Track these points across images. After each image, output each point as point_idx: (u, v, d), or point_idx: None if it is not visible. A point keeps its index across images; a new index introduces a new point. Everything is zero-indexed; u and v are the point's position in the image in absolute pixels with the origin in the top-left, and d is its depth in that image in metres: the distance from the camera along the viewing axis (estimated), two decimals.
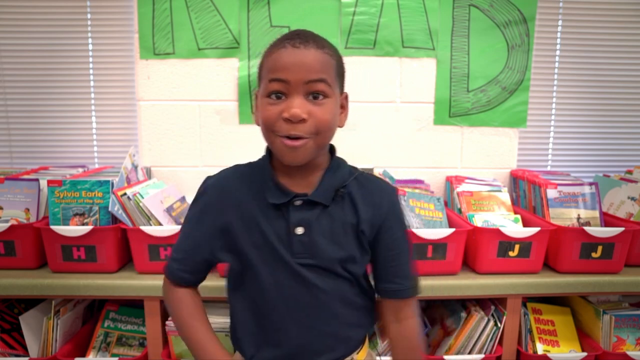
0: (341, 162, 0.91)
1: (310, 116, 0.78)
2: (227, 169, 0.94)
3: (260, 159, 0.92)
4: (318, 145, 0.81)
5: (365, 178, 0.91)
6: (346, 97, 0.90)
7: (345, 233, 0.85)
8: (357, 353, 0.90)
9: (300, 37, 0.80)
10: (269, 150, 0.90)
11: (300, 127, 0.78)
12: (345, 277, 0.87)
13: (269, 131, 0.81)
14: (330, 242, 0.84)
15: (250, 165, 0.93)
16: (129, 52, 1.66)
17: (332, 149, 0.91)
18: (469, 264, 1.33)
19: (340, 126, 0.88)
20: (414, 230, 1.22)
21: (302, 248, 0.84)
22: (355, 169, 0.92)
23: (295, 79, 0.77)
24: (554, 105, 1.80)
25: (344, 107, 0.89)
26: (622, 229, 1.26)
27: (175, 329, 0.94)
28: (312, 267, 0.84)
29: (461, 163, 1.73)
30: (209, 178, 0.93)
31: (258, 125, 0.86)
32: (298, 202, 0.84)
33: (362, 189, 0.88)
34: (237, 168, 0.94)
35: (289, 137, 0.78)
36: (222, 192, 0.89)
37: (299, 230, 0.83)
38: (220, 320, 1.23)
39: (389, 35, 1.62)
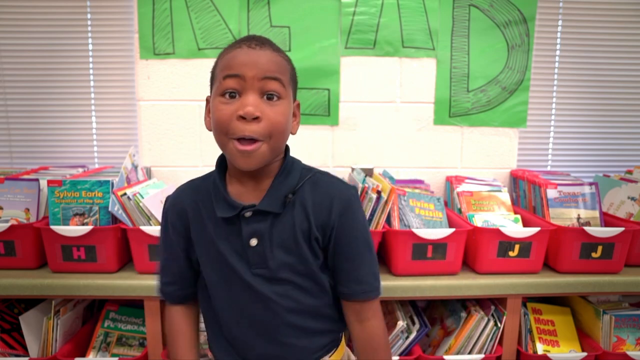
0: (294, 165, 0.88)
1: (263, 116, 0.77)
2: (183, 185, 0.92)
3: (212, 171, 0.90)
4: (272, 150, 0.80)
5: (319, 180, 0.87)
6: (298, 106, 0.88)
7: (297, 240, 0.83)
8: (330, 356, 0.89)
9: (256, 40, 0.81)
10: (220, 160, 0.89)
11: (254, 126, 0.76)
12: (302, 286, 0.85)
13: (222, 134, 0.78)
14: (284, 250, 0.83)
15: (204, 177, 0.92)
16: (129, 52, 1.66)
17: (286, 150, 0.89)
18: (469, 264, 1.33)
19: (293, 133, 0.86)
20: (414, 230, 1.22)
21: (258, 258, 0.83)
22: (309, 170, 0.89)
23: (250, 75, 0.76)
24: (554, 105, 1.80)
25: (296, 115, 0.87)
26: (622, 229, 1.26)
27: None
28: (268, 278, 0.83)
29: (461, 163, 1.73)
30: (167, 198, 0.92)
31: (209, 130, 0.84)
32: (248, 214, 0.82)
33: (314, 192, 0.85)
34: (191, 183, 0.92)
35: (243, 140, 0.77)
36: (180, 212, 0.88)
37: (253, 242, 0.82)
38: None
39: (389, 35, 1.62)
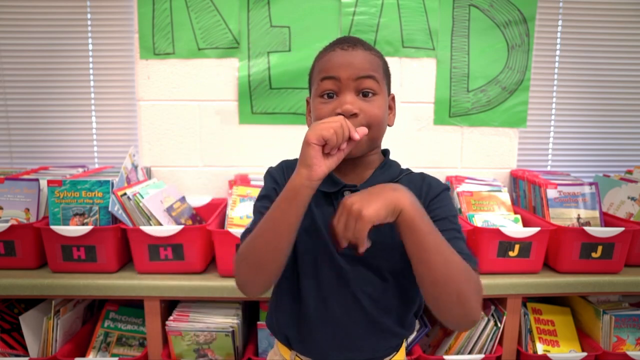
0: (393, 163, 0.93)
1: (361, 111, 0.81)
2: (285, 160, 0.96)
3: None
4: (370, 140, 0.83)
5: (418, 175, 0.92)
6: (393, 98, 0.92)
7: (391, 227, 0.82)
8: (390, 358, 0.89)
9: (348, 42, 0.86)
10: None
11: (352, 121, 0.80)
12: (385, 276, 0.85)
13: None
14: (377, 236, 0.82)
15: None
16: (129, 52, 1.66)
17: (385, 153, 0.94)
18: None
19: (390, 125, 0.90)
20: None
21: None
22: (406, 169, 0.94)
23: (346, 76, 0.81)
24: (554, 105, 1.80)
25: (391, 107, 0.91)
26: (622, 229, 1.26)
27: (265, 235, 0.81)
28: (353, 259, 0.84)
29: (461, 163, 1.73)
30: (275, 166, 0.95)
31: None
32: (347, 193, 0.85)
33: (413, 183, 0.88)
34: (293, 160, 0.94)
35: None
36: (284, 173, 0.91)
37: None
38: (221, 320, 1.23)
39: (389, 35, 1.62)
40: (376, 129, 0.84)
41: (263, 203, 0.90)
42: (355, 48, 0.84)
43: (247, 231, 0.88)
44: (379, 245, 0.82)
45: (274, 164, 0.97)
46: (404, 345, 0.94)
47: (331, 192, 0.86)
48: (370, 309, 0.85)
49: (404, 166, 0.97)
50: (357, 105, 0.81)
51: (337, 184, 0.87)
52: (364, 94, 0.82)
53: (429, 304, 0.77)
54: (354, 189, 0.86)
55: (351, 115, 0.80)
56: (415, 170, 0.98)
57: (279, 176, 0.92)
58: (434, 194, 0.88)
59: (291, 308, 0.89)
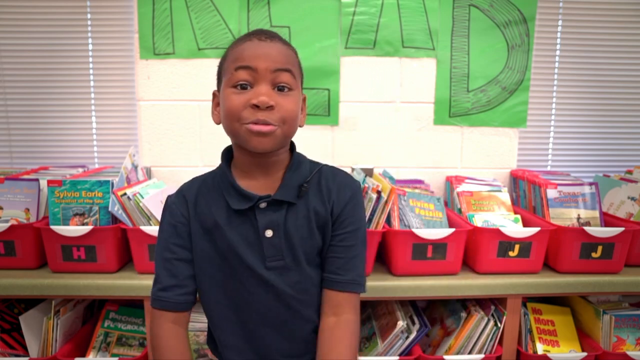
0: (302, 158, 0.90)
1: (277, 105, 0.78)
2: (185, 183, 0.92)
3: (217, 167, 0.90)
4: (284, 135, 0.81)
5: (329, 171, 0.90)
6: (304, 100, 0.89)
7: (312, 227, 0.85)
8: None
9: (265, 33, 0.82)
10: (226, 156, 0.89)
11: (267, 113, 0.77)
12: (313, 277, 0.86)
13: (234, 121, 0.79)
14: (299, 240, 0.84)
15: (209, 174, 0.92)
16: (129, 52, 1.66)
17: (292, 147, 0.91)
18: (469, 264, 1.33)
19: (301, 126, 0.87)
20: (414, 230, 1.22)
21: (274, 250, 0.83)
22: (316, 163, 0.91)
23: (262, 67, 0.78)
24: (554, 105, 1.80)
25: (302, 108, 0.88)
26: (622, 229, 1.26)
27: None
28: (283, 269, 0.84)
29: (461, 163, 1.73)
30: (169, 197, 0.91)
31: (217, 123, 0.85)
32: (263, 205, 0.83)
33: (324, 180, 0.88)
34: (194, 180, 0.92)
35: (257, 124, 0.77)
36: (187, 207, 0.87)
37: (269, 233, 0.83)
38: None
39: (389, 35, 1.62)
40: (290, 125, 0.81)
41: (163, 256, 0.86)
42: (273, 40, 0.81)
43: (154, 281, 0.86)
44: (302, 248, 0.84)
45: None
46: None
47: (246, 209, 0.83)
48: (306, 311, 0.86)
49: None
50: (273, 98, 0.78)
51: (250, 198, 0.82)
52: (280, 88, 0.80)
53: None
54: (268, 199, 0.83)
55: (267, 108, 0.77)
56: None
57: (177, 211, 0.87)
58: (344, 200, 0.87)
59: (231, 334, 0.88)
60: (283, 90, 0.80)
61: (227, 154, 0.89)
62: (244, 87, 0.79)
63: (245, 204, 0.82)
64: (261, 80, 0.78)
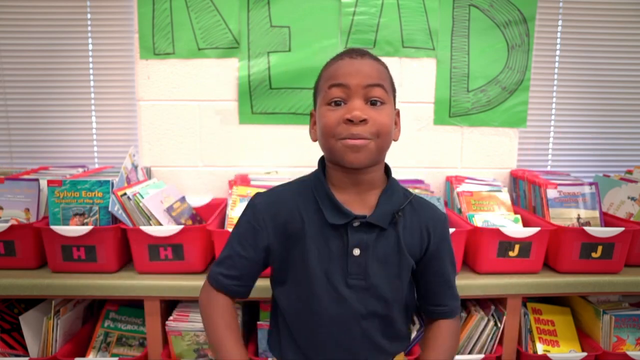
0: (395, 185, 0.91)
1: (370, 118, 0.80)
2: (277, 188, 0.93)
3: (309, 177, 0.92)
4: (378, 149, 0.83)
5: (418, 202, 0.92)
6: (398, 114, 0.91)
7: (398, 257, 0.87)
8: None
9: (356, 52, 0.85)
10: (321, 167, 0.91)
11: (361, 128, 0.79)
12: (390, 301, 0.88)
13: (329, 136, 0.82)
14: (384, 265, 0.86)
15: (301, 182, 0.93)
16: (129, 52, 1.66)
17: (387, 170, 0.92)
18: (469, 264, 1.33)
19: (395, 140, 0.89)
20: None
21: (358, 269, 0.84)
22: (408, 191, 0.93)
23: (355, 84, 0.80)
24: (554, 105, 1.80)
25: (397, 123, 0.90)
26: (622, 229, 1.26)
27: (206, 335, 0.91)
28: (361, 289, 0.85)
29: (461, 163, 1.73)
30: (257, 195, 0.92)
31: (314, 140, 0.88)
32: (357, 224, 0.84)
33: (415, 213, 0.90)
34: (286, 186, 0.93)
35: (351, 139, 0.80)
36: (275, 214, 0.88)
37: (356, 252, 0.84)
38: None
39: (389, 35, 1.62)
40: (384, 139, 0.83)
41: (234, 246, 0.89)
42: (364, 57, 0.84)
43: (219, 261, 0.91)
44: (386, 274, 0.86)
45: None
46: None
47: (340, 225, 0.84)
48: (373, 333, 0.87)
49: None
50: (366, 112, 0.80)
51: (346, 215, 0.84)
52: (373, 102, 0.82)
53: None
54: (363, 220, 0.84)
55: (360, 122, 0.79)
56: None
57: (264, 215, 0.88)
58: (440, 235, 0.91)
59: (297, 338, 0.90)
60: (376, 105, 0.82)
61: (322, 163, 0.91)
62: (338, 104, 0.82)
63: (341, 219, 0.84)
64: (354, 95, 0.81)
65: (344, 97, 0.81)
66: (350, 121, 0.79)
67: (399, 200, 0.88)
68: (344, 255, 0.84)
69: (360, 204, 0.87)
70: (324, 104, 0.83)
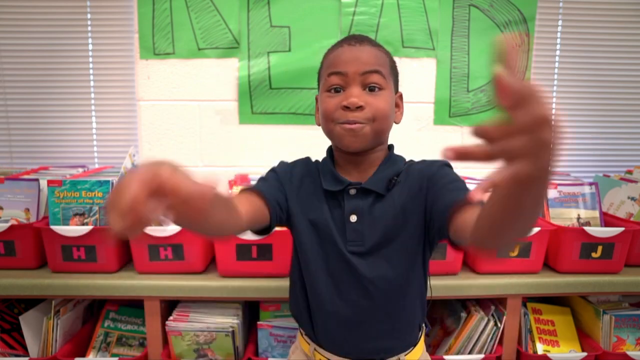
0: (398, 157, 0.93)
1: (367, 104, 0.82)
2: (299, 159, 0.99)
3: (319, 160, 0.98)
4: (375, 132, 0.84)
5: (416, 164, 0.91)
6: (400, 97, 0.93)
7: (398, 222, 0.86)
8: (406, 354, 0.90)
9: (355, 38, 0.87)
10: (329, 150, 0.95)
11: (357, 113, 0.82)
12: (395, 268, 0.86)
13: (329, 121, 0.85)
14: (382, 229, 0.85)
15: (317, 160, 0.99)
16: (129, 52, 1.66)
17: (390, 148, 0.95)
18: (469, 264, 1.33)
19: (397, 122, 0.91)
20: None
21: (355, 235, 0.86)
22: (411, 160, 0.94)
23: (352, 71, 0.83)
24: (554, 105, 1.80)
25: (399, 105, 0.93)
26: (622, 229, 1.26)
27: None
28: (363, 254, 0.86)
29: (461, 163, 1.72)
30: (287, 162, 0.98)
31: (318, 125, 0.91)
32: (352, 191, 0.87)
33: (412, 175, 0.88)
34: (307, 159, 0.99)
35: (348, 123, 0.83)
36: (293, 173, 0.94)
37: (353, 218, 0.86)
38: (221, 320, 1.23)
39: (389, 35, 1.62)
40: (381, 122, 0.84)
41: (264, 181, 0.92)
42: (363, 44, 0.85)
43: (253, 186, 0.90)
44: (385, 239, 0.85)
45: (274, 164, 0.98)
46: (423, 339, 0.95)
47: (336, 191, 0.88)
48: (382, 299, 0.86)
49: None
50: (362, 99, 0.82)
51: (341, 182, 0.88)
52: (370, 88, 0.84)
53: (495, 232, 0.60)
54: (358, 187, 0.87)
55: (357, 108, 0.82)
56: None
57: (283, 176, 0.93)
58: (433, 171, 0.86)
59: (304, 301, 0.92)
60: (374, 90, 0.84)
61: (330, 153, 0.96)
62: (337, 91, 0.85)
63: (337, 186, 0.87)
64: (352, 82, 0.83)
65: (342, 84, 0.84)
66: (347, 107, 0.82)
67: (398, 169, 0.90)
68: (342, 222, 0.87)
69: (360, 176, 0.89)
70: (325, 90, 0.87)
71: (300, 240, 0.90)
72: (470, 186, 1.54)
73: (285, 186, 0.91)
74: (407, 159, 0.95)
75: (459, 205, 0.75)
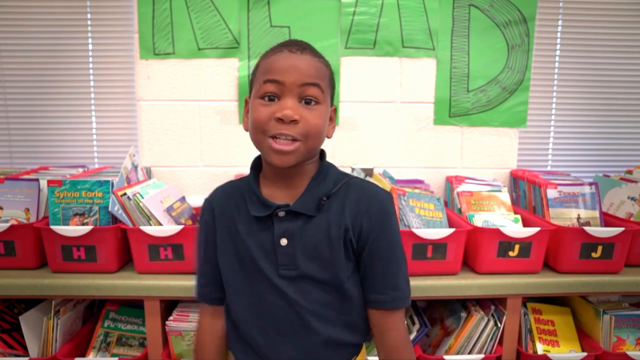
0: (330, 169, 0.88)
1: (301, 119, 0.78)
2: (222, 185, 0.95)
3: (248, 175, 0.92)
4: (307, 150, 0.81)
5: (356, 184, 0.88)
6: (334, 110, 0.89)
7: (331, 243, 0.83)
8: None
9: (297, 45, 0.82)
10: (255, 164, 0.90)
11: (291, 127, 0.78)
12: (328, 291, 0.85)
13: (259, 132, 0.80)
14: (314, 253, 0.83)
15: (241, 179, 0.94)
16: (129, 52, 1.66)
17: (322, 155, 0.90)
18: (469, 264, 1.33)
19: (329, 137, 0.87)
20: (414, 230, 1.22)
21: (287, 259, 0.83)
22: (344, 175, 0.90)
23: (290, 81, 0.78)
24: (554, 105, 1.80)
25: (332, 119, 0.88)
26: (622, 229, 1.26)
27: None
28: (294, 279, 0.84)
29: (461, 163, 1.73)
30: (205, 200, 0.95)
31: (246, 130, 0.86)
32: (281, 213, 0.83)
33: (350, 195, 0.86)
34: (229, 183, 0.95)
35: (279, 139, 0.78)
36: (213, 211, 0.91)
37: (283, 242, 0.83)
38: None
39: (389, 35, 1.62)
40: (314, 139, 0.81)
41: (199, 253, 0.93)
42: (304, 52, 0.81)
43: (197, 276, 0.94)
44: (317, 262, 0.83)
45: None
46: (364, 349, 0.94)
47: (266, 217, 0.84)
48: (316, 324, 0.84)
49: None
50: (298, 112, 0.77)
51: (269, 206, 0.83)
52: (307, 101, 0.79)
53: None
54: (286, 209, 0.83)
55: (291, 122, 0.77)
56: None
57: (209, 217, 0.91)
58: (376, 221, 0.84)
59: (238, 336, 0.90)
60: (310, 104, 0.80)
61: (257, 162, 0.90)
62: (271, 99, 0.79)
63: (264, 211, 0.84)
64: (288, 93, 0.78)
65: (278, 93, 0.79)
66: (280, 120, 0.77)
67: (328, 187, 0.85)
68: (274, 247, 0.84)
69: (290, 195, 0.85)
70: (258, 97, 0.81)
71: (229, 280, 0.89)
72: (471, 187, 1.54)
73: (213, 234, 0.90)
74: (347, 170, 0.93)
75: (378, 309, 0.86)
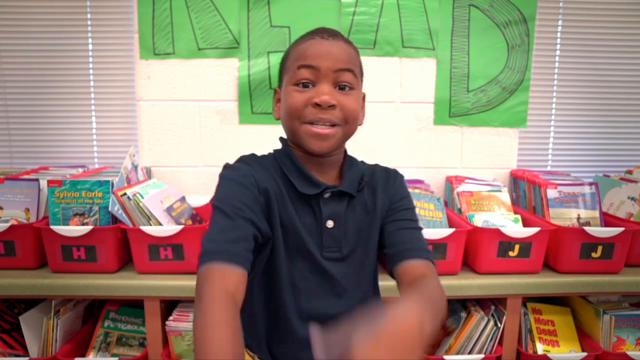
0: (352, 157, 0.93)
1: (338, 104, 0.78)
2: (249, 155, 0.89)
3: (277, 151, 0.89)
4: (345, 135, 0.82)
5: (375, 166, 0.95)
6: (364, 98, 0.90)
7: (369, 221, 0.86)
8: None
9: (328, 32, 0.82)
10: (285, 143, 0.88)
11: (329, 112, 0.78)
12: (367, 271, 0.87)
13: (294, 118, 0.80)
14: (357, 233, 0.85)
15: (270, 155, 0.90)
16: (129, 52, 1.66)
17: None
18: (469, 264, 1.33)
19: (360, 124, 0.88)
20: None
21: (332, 241, 0.83)
22: (363, 162, 0.95)
23: (325, 67, 0.78)
24: (554, 105, 1.80)
25: (362, 106, 0.89)
26: (622, 229, 1.26)
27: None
28: (339, 260, 0.84)
29: (461, 163, 1.73)
30: (242, 162, 0.86)
31: (277, 119, 0.86)
32: (327, 195, 0.83)
33: (376, 175, 0.90)
34: (260, 159, 0.88)
35: (316, 124, 0.78)
36: (257, 181, 0.81)
37: (330, 224, 0.83)
38: None
39: (389, 35, 1.62)
40: (352, 124, 0.82)
41: (229, 208, 0.75)
42: (336, 39, 0.81)
43: (209, 238, 0.74)
44: (358, 243, 0.85)
45: None
46: None
47: (311, 195, 0.82)
48: (351, 305, 0.85)
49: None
50: (335, 97, 0.78)
51: (317, 185, 0.82)
52: (341, 87, 0.80)
53: None
54: (334, 190, 0.83)
55: (329, 107, 0.77)
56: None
57: (255, 175, 0.81)
58: (401, 193, 0.91)
59: (270, 324, 0.85)
60: (344, 89, 0.80)
61: (286, 140, 0.89)
62: (306, 86, 0.79)
63: (314, 189, 0.82)
64: (323, 79, 0.78)
65: (313, 79, 0.78)
66: (318, 105, 0.77)
67: (361, 169, 0.90)
68: (318, 228, 0.83)
69: (324, 178, 0.86)
70: (291, 84, 0.80)
71: (272, 248, 0.82)
72: (471, 187, 1.54)
73: (257, 202, 0.78)
74: (367, 161, 0.96)
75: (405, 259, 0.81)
